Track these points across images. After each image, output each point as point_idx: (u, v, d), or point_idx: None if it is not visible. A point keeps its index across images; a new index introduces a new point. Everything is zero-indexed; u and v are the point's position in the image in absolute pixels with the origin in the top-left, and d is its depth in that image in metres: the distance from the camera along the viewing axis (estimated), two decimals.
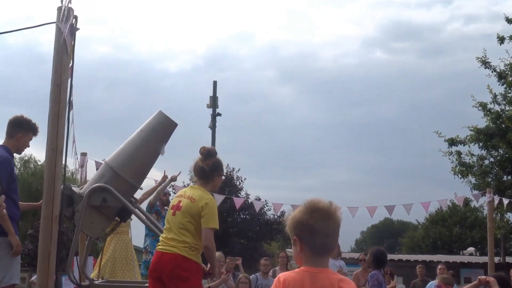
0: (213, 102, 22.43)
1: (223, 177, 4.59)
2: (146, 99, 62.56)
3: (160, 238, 4.31)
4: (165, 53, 74.28)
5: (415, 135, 74.71)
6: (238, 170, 26.13)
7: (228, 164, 30.27)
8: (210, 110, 22.55)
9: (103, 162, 5.10)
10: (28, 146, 4.95)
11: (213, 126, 22.43)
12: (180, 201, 4.26)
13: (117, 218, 5.09)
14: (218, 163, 4.43)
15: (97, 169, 6.26)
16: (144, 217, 5.25)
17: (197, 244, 4.15)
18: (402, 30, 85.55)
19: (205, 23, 73.38)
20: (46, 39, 65.35)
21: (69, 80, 4.22)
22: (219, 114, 22.59)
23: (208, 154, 4.41)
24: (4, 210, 4.09)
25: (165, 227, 4.34)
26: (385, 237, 59.80)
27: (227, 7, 78.98)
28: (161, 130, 4.95)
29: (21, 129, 4.85)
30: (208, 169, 4.35)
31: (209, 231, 4.12)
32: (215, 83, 22.97)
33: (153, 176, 13.04)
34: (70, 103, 4.28)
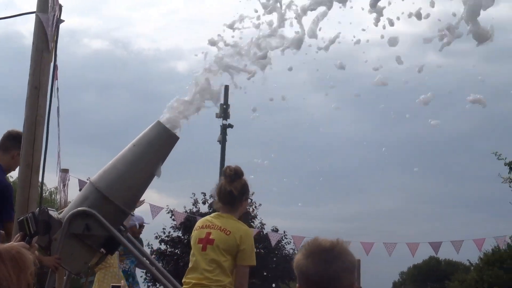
0: (224, 111, 22.44)
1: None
2: (147, 106, 62.70)
3: (185, 279, 4.41)
4: (172, 51, 74.52)
5: (475, 156, 73.64)
6: (252, 194, 26.15)
7: None
8: (220, 121, 22.59)
9: (88, 181, 5.07)
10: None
11: (222, 140, 22.42)
12: (209, 233, 4.38)
13: (102, 249, 5.05)
14: (246, 185, 4.60)
15: (80, 190, 6.25)
16: (135, 250, 5.22)
17: (232, 284, 4.31)
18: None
19: (221, 12, 73.46)
20: (27, 30, 66.13)
21: (51, 82, 4.23)
22: (231, 126, 22.59)
23: (236, 175, 4.53)
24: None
25: (191, 264, 4.44)
26: (430, 279, 59.22)
27: None
28: (159, 144, 4.88)
29: (20, 146, 4.62)
30: (237, 193, 4.49)
31: (246, 269, 4.31)
32: (226, 87, 22.97)
33: (148, 199, 13.06)
34: (54, 109, 4.29)
